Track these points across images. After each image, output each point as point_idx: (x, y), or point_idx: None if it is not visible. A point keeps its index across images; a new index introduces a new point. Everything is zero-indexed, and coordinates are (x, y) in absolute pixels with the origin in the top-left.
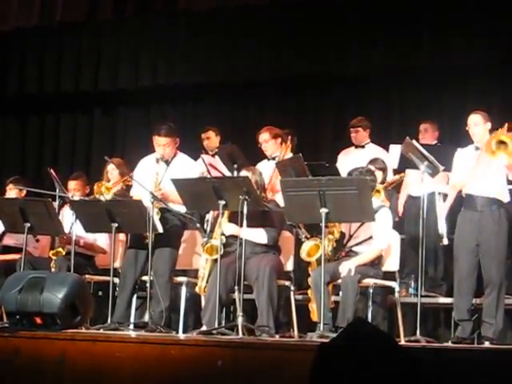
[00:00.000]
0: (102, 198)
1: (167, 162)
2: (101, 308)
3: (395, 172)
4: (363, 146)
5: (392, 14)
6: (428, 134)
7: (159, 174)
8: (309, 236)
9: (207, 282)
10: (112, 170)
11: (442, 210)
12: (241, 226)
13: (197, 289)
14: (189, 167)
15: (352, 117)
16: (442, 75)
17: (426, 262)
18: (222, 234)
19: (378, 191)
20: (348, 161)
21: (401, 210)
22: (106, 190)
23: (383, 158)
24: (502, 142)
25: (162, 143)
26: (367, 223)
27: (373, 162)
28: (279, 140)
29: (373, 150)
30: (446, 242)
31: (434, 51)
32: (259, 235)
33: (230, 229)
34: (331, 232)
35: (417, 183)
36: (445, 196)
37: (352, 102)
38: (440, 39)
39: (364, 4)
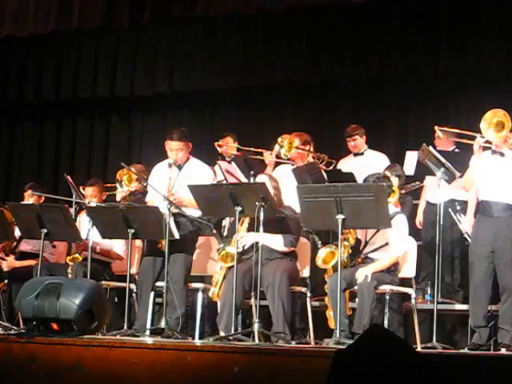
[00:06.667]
0: (117, 186)
1: (179, 167)
2: (117, 314)
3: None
4: (362, 153)
5: (408, 20)
6: (441, 141)
7: (172, 179)
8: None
9: (220, 288)
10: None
11: (467, 225)
12: (257, 231)
13: (210, 294)
14: (201, 171)
15: (368, 122)
16: (459, 80)
17: (442, 268)
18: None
19: (394, 191)
20: (349, 168)
21: (421, 217)
22: (127, 181)
23: (383, 163)
24: (501, 125)
25: (174, 147)
26: (383, 229)
27: (390, 168)
28: (308, 147)
29: (372, 156)
30: None
31: (450, 57)
32: (277, 241)
33: (249, 239)
34: (346, 238)
35: (434, 190)
36: (463, 203)
37: (368, 108)
38: (456, 45)
39: (380, 10)
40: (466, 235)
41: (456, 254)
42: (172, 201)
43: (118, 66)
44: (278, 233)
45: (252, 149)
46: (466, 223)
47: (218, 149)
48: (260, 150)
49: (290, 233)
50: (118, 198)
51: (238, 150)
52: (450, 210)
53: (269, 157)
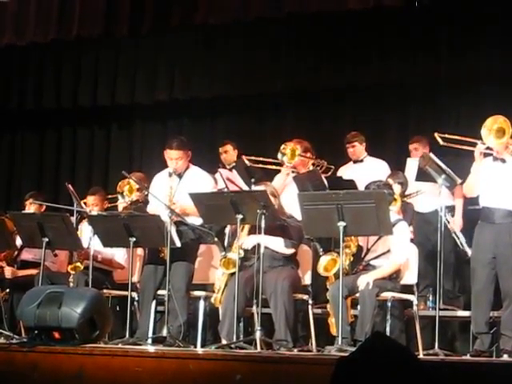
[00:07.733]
0: (119, 197)
1: (180, 176)
2: (119, 323)
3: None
4: (362, 160)
5: (407, 27)
6: (419, 152)
7: (172, 188)
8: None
9: (222, 294)
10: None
11: (456, 225)
12: None
13: (212, 299)
14: (201, 179)
15: (369, 129)
16: (459, 87)
17: (442, 275)
18: (242, 249)
19: (396, 199)
20: (349, 176)
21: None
22: (128, 192)
23: (383, 170)
24: (502, 131)
25: (173, 157)
26: (385, 237)
27: (393, 175)
28: (308, 154)
29: (372, 163)
30: (470, 252)
31: (450, 63)
32: (278, 243)
33: (251, 241)
34: (348, 246)
35: (422, 198)
36: (451, 208)
37: (368, 115)
38: (456, 51)
39: (380, 17)
40: (454, 235)
41: (453, 260)
42: (174, 209)
43: (118, 74)
44: None
45: (262, 158)
46: (454, 223)
47: (224, 155)
48: (275, 160)
49: (291, 240)
50: (120, 209)
51: (245, 160)
52: (438, 210)
53: (285, 169)
